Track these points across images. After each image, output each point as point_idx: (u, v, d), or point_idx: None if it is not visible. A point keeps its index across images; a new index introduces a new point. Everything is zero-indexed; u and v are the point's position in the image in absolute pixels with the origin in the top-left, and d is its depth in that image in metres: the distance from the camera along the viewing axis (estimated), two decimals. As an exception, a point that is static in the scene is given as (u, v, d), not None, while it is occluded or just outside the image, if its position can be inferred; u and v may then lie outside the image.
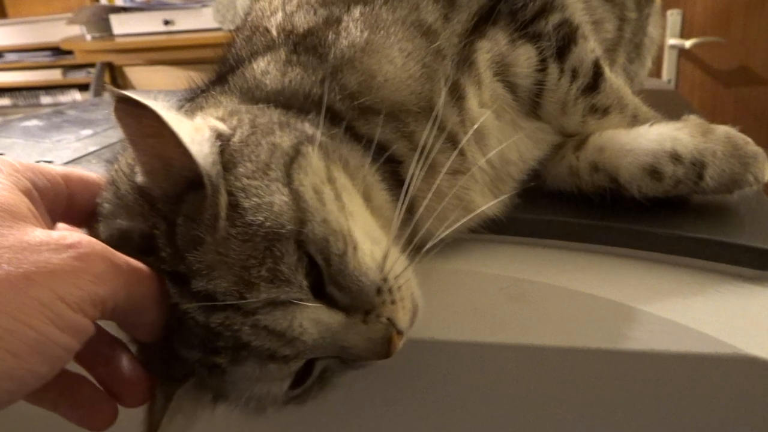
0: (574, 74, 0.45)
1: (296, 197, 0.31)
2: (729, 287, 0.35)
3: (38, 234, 0.26)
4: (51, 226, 0.31)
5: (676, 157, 0.39)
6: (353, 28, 0.40)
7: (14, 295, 0.24)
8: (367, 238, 0.33)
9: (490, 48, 0.43)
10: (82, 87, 2.16)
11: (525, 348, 0.33)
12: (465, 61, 0.41)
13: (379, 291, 0.31)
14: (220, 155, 0.32)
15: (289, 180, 0.32)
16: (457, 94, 0.41)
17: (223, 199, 0.30)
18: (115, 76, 2.04)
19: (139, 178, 0.31)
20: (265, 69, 0.40)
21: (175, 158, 0.30)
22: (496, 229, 0.39)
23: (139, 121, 0.29)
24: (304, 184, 0.32)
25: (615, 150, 0.41)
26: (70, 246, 0.26)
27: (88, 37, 1.99)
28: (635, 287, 0.35)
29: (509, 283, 0.36)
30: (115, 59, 2.00)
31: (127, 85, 2.01)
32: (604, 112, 0.45)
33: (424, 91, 0.40)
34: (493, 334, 0.34)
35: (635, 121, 0.46)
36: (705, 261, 0.36)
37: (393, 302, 0.32)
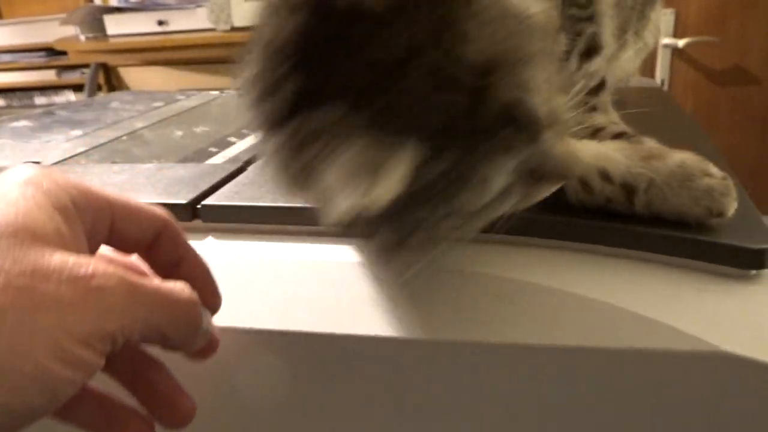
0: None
1: None
2: (711, 286, 0.35)
3: (55, 259, 0.25)
4: (86, 247, 0.29)
5: (605, 176, 0.38)
6: None
7: (15, 324, 0.23)
8: None
9: None
10: (77, 88, 2.16)
11: (508, 347, 0.33)
12: None
13: None
14: None
15: None
16: None
17: None
18: (110, 76, 2.04)
19: None
20: None
21: None
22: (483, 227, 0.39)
23: None
24: None
25: None
26: (83, 277, 0.25)
27: (82, 37, 1.99)
28: (617, 285, 0.35)
29: (494, 282, 0.36)
30: (110, 60, 2.00)
31: (121, 85, 2.02)
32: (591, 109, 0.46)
33: None
34: (479, 333, 0.34)
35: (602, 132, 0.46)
36: (687, 260, 0.36)
37: None
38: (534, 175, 0.33)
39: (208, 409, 0.37)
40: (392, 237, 0.34)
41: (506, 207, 0.33)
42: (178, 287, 0.30)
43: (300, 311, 0.36)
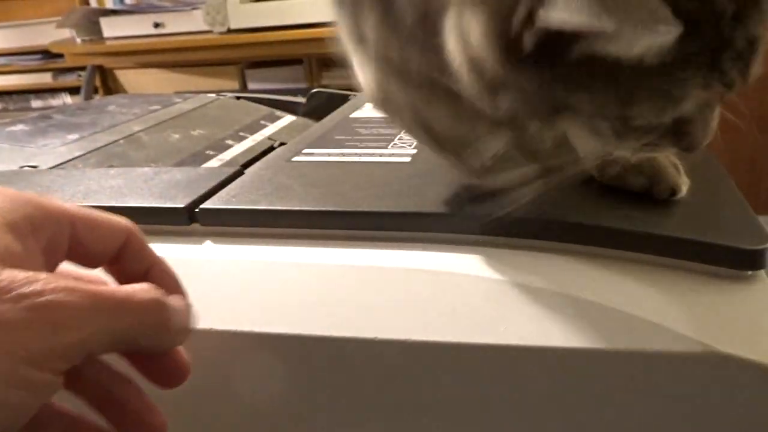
0: None
1: None
2: (707, 287, 0.35)
3: (2, 278, 0.24)
4: (42, 264, 0.29)
5: None
6: None
7: None
8: None
9: None
10: (73, 90, 2.16)
11: (501, 348, 0.33)
12: None
13: None
14: None
15: None
16: None
17: None
18: (106, 79, 2.04)
19: None
20: None
21: None
22: (469, 229, 0.39)
23: None
24: None
25: None
26: (31, 293, 0.24)
27: (78, 40, 1.99)
28: (611, 286, 0.35)
29: (487, 283, 0.36)
30: (106, 62, 2.00)
31: (118, 87, 2.02)
32: None
33: None
34: (471, 334, 0.34)
35: None
36: (679, 260, 0.36)
37: None
38: (678, 127, 0.32)
39: (207, 414, 0.37)
40: (528, 111, 0.32)
41: (638, 144, 0.33)
42: (140, 288, 0.29)
43: (299, 315, 0.36)
